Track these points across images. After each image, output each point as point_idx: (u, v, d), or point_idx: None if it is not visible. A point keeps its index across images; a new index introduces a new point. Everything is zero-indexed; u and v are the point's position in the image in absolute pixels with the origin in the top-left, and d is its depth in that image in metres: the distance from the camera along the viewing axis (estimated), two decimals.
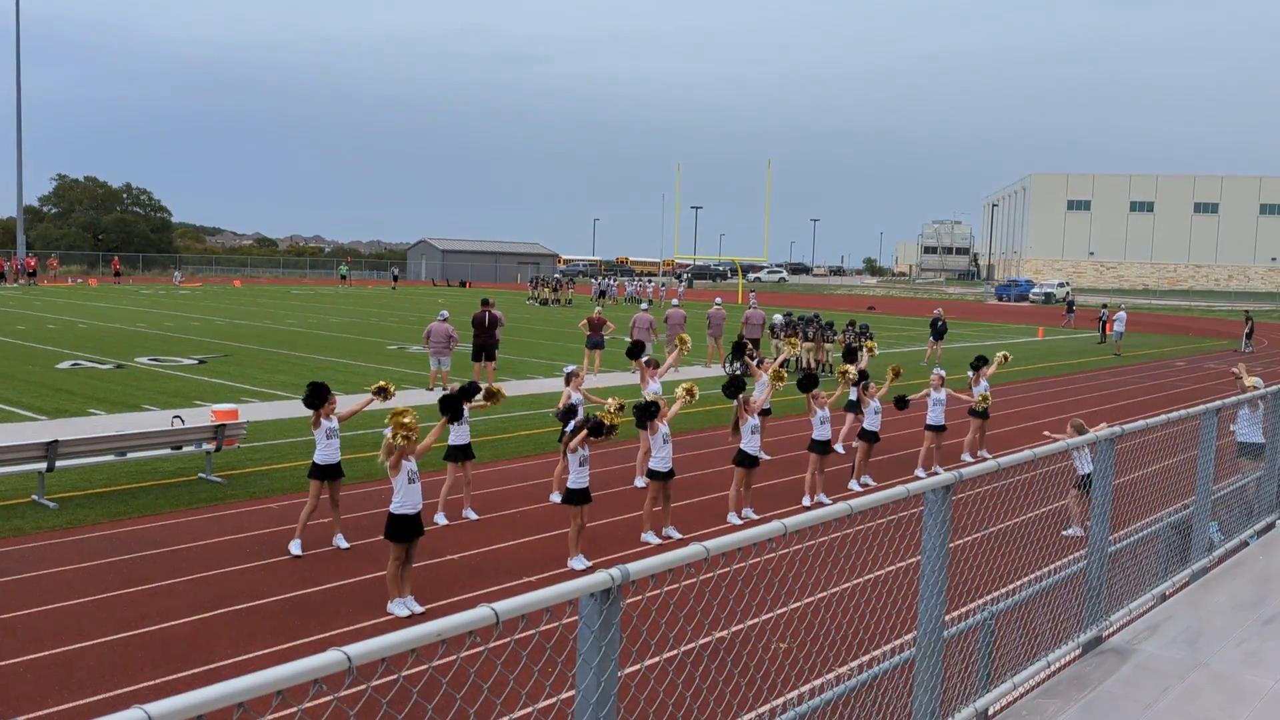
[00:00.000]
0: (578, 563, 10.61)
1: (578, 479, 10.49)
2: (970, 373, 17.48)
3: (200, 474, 13.96)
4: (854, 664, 7.13)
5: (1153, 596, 7.58)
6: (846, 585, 9.25)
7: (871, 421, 15.06)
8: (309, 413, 10.94)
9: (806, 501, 13.69)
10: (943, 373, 16.75)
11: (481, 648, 4.26)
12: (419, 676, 6.85)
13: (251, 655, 8.17)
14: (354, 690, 7.07)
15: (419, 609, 9.19)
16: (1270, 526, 10.12)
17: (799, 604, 8.89)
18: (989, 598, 7.79)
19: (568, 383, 13.63)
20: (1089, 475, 7.07)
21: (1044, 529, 11.63)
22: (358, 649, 2.53)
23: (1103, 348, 40.94)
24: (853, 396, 16.16)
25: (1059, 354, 38.45)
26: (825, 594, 9.04)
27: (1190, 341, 47.03)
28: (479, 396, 12.05)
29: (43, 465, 12.31)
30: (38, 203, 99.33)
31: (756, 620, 8.64)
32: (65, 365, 24.92)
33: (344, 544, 11.00)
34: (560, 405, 13.55)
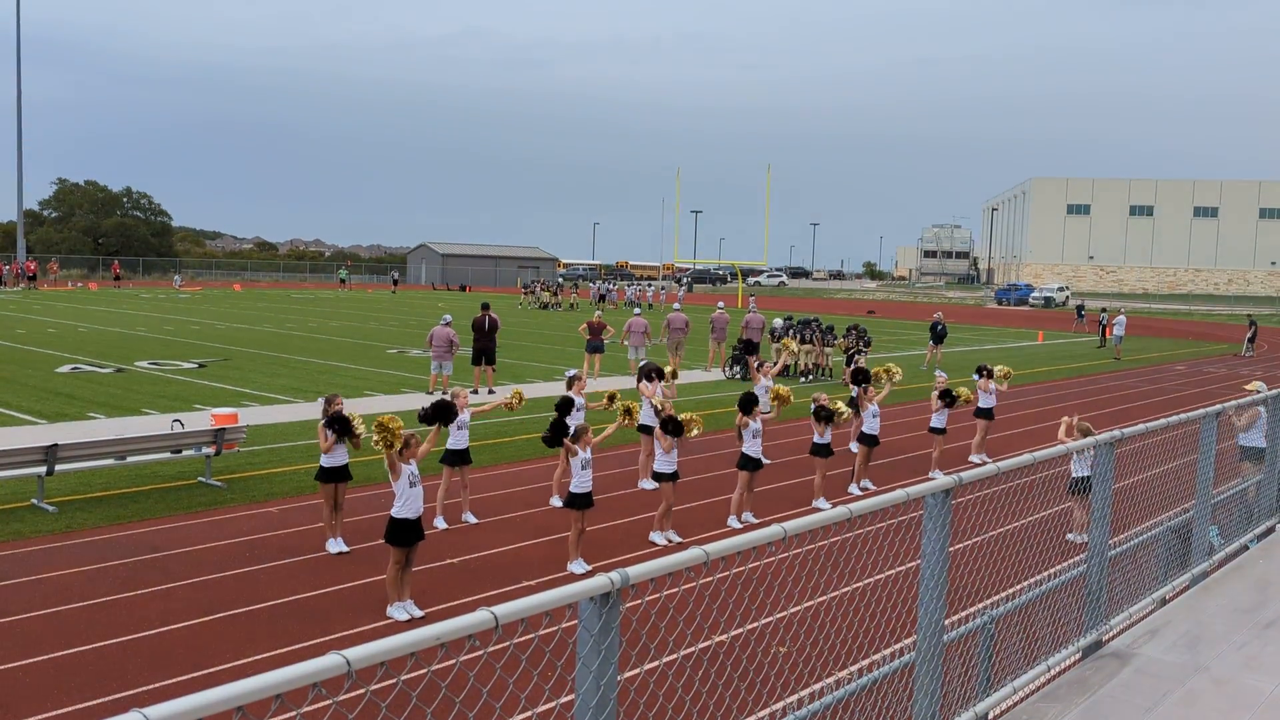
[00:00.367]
0: (577, 566, 10.60)
1: (580, 483, 10.49)
2: (976, 377, 17.59)
3: (200, 478, 13.95)
4: (854, 668, 7.13)
5: (1153, 600, 7.57)
6: (846, 589, 9.24)
7: (870, 425, 15.06)
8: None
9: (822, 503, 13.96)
10: (944, 375, 16.79)
11: (481, 651, 4.25)
12: (418, 680, 6.85)
13: (251, 659, 8.16)
14: (353, 694, 7.06)
15: (418, 613, 9.18)
16: (1270, 530, 10.12)
17: (799, 608, 8.88)
18: (989, 601, 7.78)
19: (569, 387, 13.65)
20: (1086, 479, 7.06)
21: (1044, 533, 11.62)
22: (357, 653, 2.53)
23: (1102, 352, 40.95)
24: (854, 394, 16.20)
25: (1059, 358, 38.45)
26: (825, 598, 9.03)
27: (1190, 346, 47.03)
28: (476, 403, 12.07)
29: (42, 469, 12.30)
30: (38, 206, 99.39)
31: (756, 624, 8.62)
32: (65, 369, 24.91)
33: (344, 547, 11.00)
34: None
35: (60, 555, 10.58)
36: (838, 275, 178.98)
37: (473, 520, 12.30)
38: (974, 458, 17.13)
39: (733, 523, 12.64)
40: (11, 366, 25.05)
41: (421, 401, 21.45)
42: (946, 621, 5.08)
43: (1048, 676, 6.12)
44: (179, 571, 10.20)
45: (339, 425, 10.92)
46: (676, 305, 31.09)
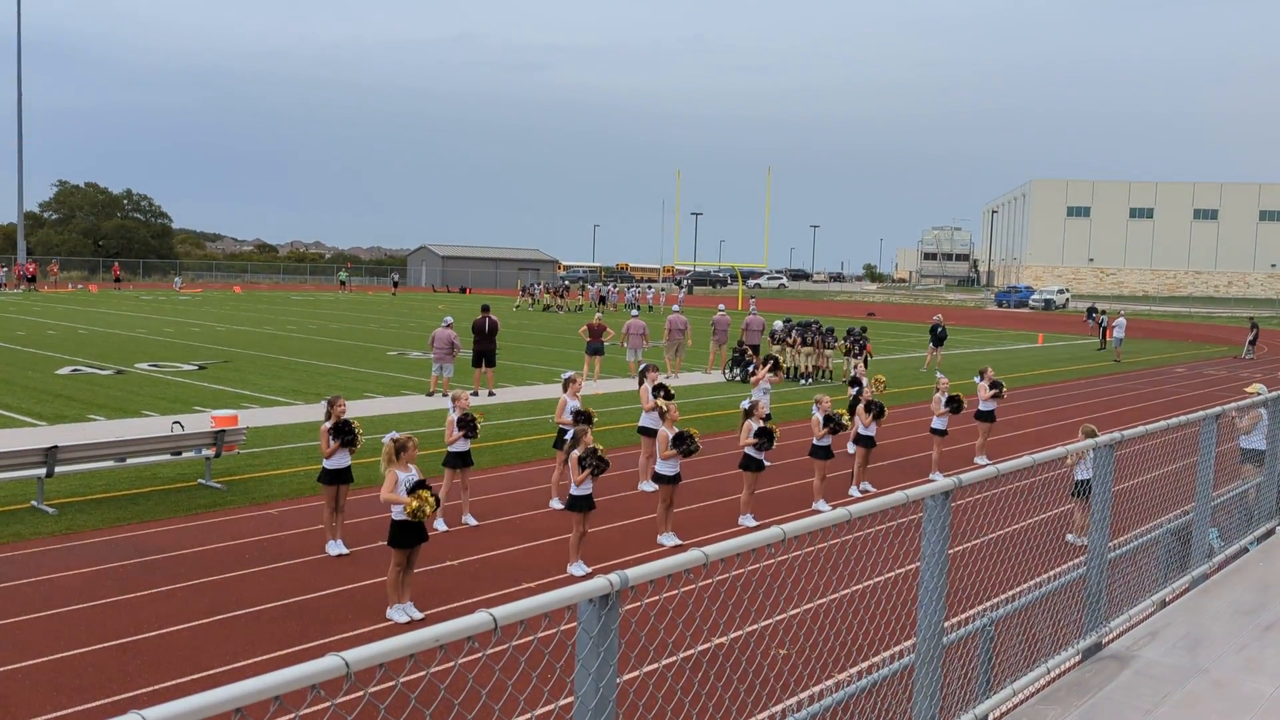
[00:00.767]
0: (577, 569, 10.60)
1: (582, 486, 10.49)
2: (977, 379, 17.61)
3: (200, 480, 13.95)
4: (854, 670, 7.12)
5: (1152, 603, 7.57)
6: (846, 591, 9.24)
7: (866, 427, 15.08)
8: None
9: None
10: (945, 379, 16.80)
11: (480, 653, 4.25)
12: (417, 682, 6.84)
13: (250, 661, 8.16)
14: (352, 696, 7.06)
15: (418, 615, 9.18)
16: (1270, 533, 10.11)
17: (798, 610, 8.88)
18: (989, 604, 7.78)
19: (565, 389, 13.67)
20: (1088, 481, 7.06)
21: (1043, 535, 11.62)
22: (355, 654, 2.53)
23: (1102, 354, 40.95)
24: (853, 392, 16.24)
25: (1059, 360, 38.45)
26: (825, 600, 9.02)
27: (1190, 348, 47.03)
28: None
29: (42, 471, 12.30)
30: (38, 209, 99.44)
31: (756, 626, 8.62)
32: (65, 371, 24.92)
33: (344, 549, 11.00)
34: (559, 413, 13.59)
35: (60, 557, 10.58)
36: (838, 277, 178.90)
37: (473, 522, 12.30)
38: (979, 459, 17.14)
39: (745, 521, 12.71)
40: (11, 368, 25.05)
41: (422, 403, 21.51)
42: (946, 624, 5.08)
43: (1047, 679, 6.12)
44: (179, 573, 10.20)
45: (341, 435, 10.95)
46: (676, 307, 31.08)
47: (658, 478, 12.00)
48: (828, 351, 28.32)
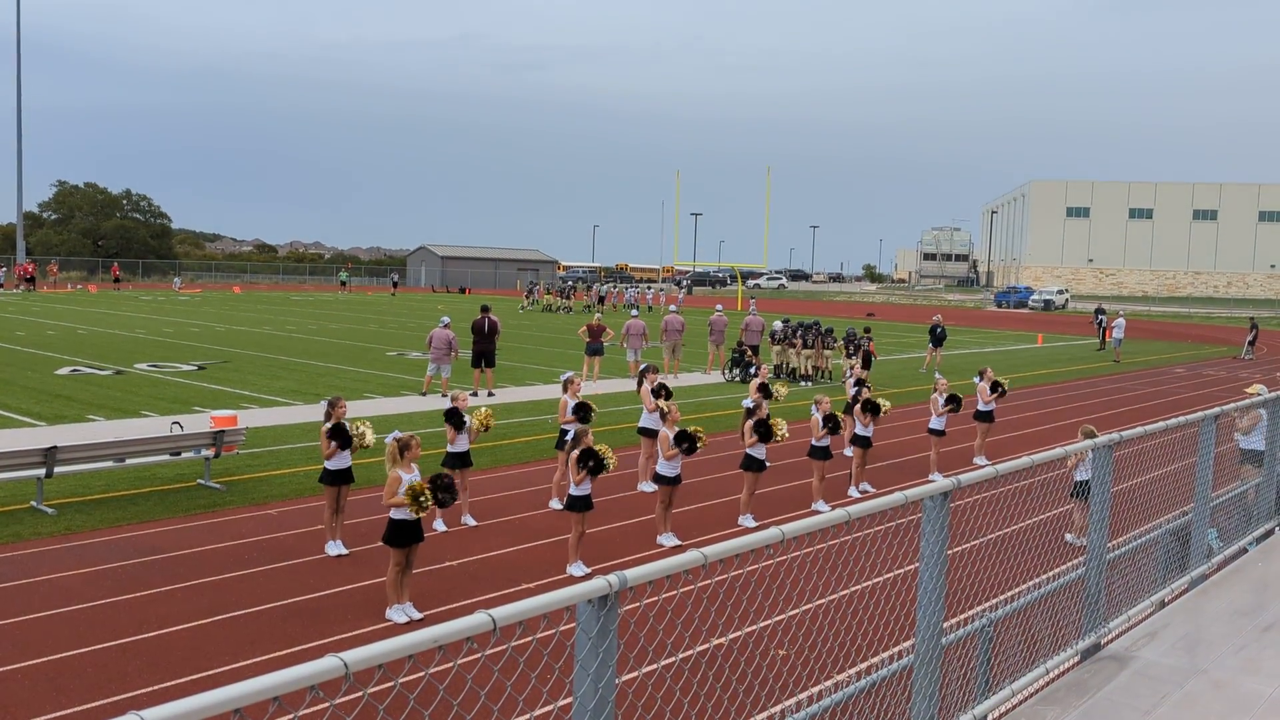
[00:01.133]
0: (577, 569, 10.60)
1: (581, 486, 10.49)
2: (977, 379, 17.63)
3: (199, 480, 13.95)
4: (853, 671, 7.13)
5: (1151, 603, 7.57)
6: (845, 592, 9.24)
7: (863, 427, 15.09)
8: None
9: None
10: (944, 380, 16.80)
11: (479, 654, 4.25)
12: (416, 683, 6.84)
13: (249, 661, 8.16)
14: (351, 697, 7.06)
15: (417, 615, 9.18)
16: (1269, 533, 10.11)
17: (797, 611, 8.88)
18: (988, 604, 7.78)
19: (565, 389, 13.66)
20: (1086, 482, 7.07)
21: (1042, 535, 11.62)
22: (354, 655, 2.53)
23: (1102, 354, 40.96)
24: (852, 392, 16.24)
25: (1058, 361, 38.46)
26: (824, 600, 9.03)
27: (1190, 348, 47.04)
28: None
29: (41, 471, 12.30)
30: (38, 209, 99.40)
31: (755, 627, 8.62)
32: (64, 371, 24.91)
33: (343, 550, 11.00)
34: (561, 414, 13.59)
35: (59, 557, 10.58)
36: (837, 278, 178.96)
37: (472, 523, 12.30)
38: (978, 460, 17.15)
39: (745, 522, 12.71)
40: (11, 368, 25.04)
41: (420, 404, 21.51)
42: (945, 624, 5.08)
43: (1046, 679, 6.12)
44: (178, 573, 10.20)
45: (339, 437, 10.95)
46: (673, 308, 31.11)
47: (658, 478, 12.01)
48: (827, 352, 28.31)
